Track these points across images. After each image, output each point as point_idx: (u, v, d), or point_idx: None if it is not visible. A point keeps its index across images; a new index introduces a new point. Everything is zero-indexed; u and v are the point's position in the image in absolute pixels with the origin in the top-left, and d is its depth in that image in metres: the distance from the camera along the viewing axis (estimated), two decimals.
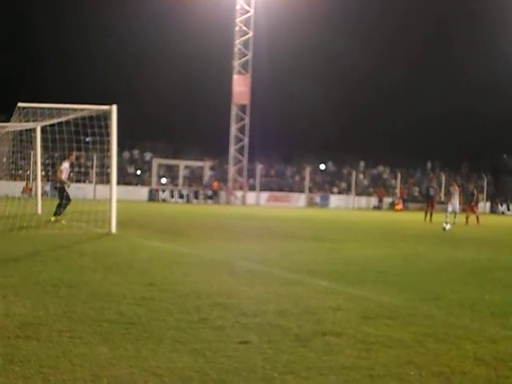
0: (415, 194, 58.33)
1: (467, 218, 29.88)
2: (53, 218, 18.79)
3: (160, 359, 4.91)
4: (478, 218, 30.53)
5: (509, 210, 55.84)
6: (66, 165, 19.79)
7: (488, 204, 56.56)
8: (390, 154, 59.59)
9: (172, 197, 50.22)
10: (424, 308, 7.33)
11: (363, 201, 55.18)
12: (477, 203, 32.39)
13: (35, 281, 8.18)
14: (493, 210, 55.97)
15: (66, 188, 19.44)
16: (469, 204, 30.89)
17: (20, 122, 18.46)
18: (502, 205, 56.46)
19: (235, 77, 52.26)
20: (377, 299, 7.75)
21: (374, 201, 55.32)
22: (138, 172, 54.72)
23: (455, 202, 28.23)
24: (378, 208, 53.35)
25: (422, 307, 7.37)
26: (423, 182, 61.26)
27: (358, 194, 55.77)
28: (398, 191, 56.02)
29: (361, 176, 60.23)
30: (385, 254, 13.61)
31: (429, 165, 65.91)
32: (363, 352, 5.31)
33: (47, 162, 28.73)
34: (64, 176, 19.70)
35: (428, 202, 31.82)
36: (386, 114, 65.12)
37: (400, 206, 51.74)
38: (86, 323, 5.95)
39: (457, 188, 28.80)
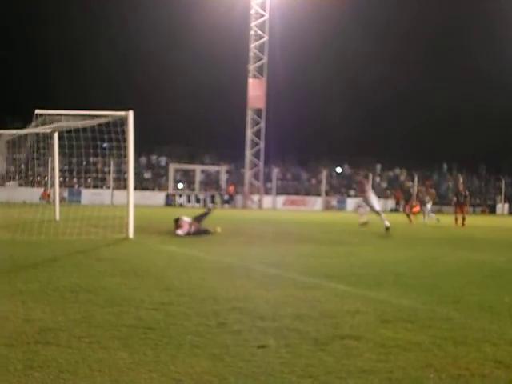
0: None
1: (457, 220, 29.69)
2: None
3: (179, 364, 4.92)
4: (464, 219, 30.01)
5: None
6: None
7: (507, 206, 56.17)
8: (407, 156, 59.36)
9: (189, 201, 50.33)
10: (443, 311, 7.29)
11: (380, 203, 54.96)
12: (466, 205, 31.87)
13: (54, 287, 8.23)
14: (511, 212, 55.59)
15: None
16: (460, 205, 30.60)
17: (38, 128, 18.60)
18: None
19: (250, 81, 52.32)
20: (395, 302, 7.72)
21: (391, 203, 55.11)
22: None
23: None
24: (395, 210, 53.12)
25: (440, 310, 7.33)
26: (440, 184, 61.01)
27: (378, 196, 55.52)
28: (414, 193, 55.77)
29: (377, 179, 60.03)
30: (403, 257, 13.55)
31: (445, 167, 65.58)
32: (382, 355, 5.29)
33: (65, 168, 28.92)
34: None
35: (457, 207, 31.34)
36: (401, 115, 64.83)
37: (417, 209, 51.48)
38: (105, 328, 5.98)
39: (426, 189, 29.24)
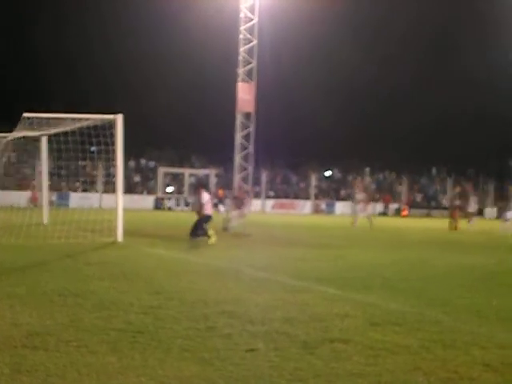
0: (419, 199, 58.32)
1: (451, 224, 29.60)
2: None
3: (168, 368, 4.90)
4: (456, 225, 29.98)
5: None
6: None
7: (495, 210, 56.38)
8: (396, 160, 59.54)
9: (178, 205, 50.24)
10: (431, 314, 7.31)
11: (369, 207, 55.05)
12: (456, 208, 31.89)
13: (42, 290, 8.19)
14: (500, 216, 55.78)
15: None
16: (453, 209, 30.66)
17: (25, 131, 18.50)
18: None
19: (239, 85, 52.25)
20: (384, 306, 7.74)
21: (379, 207, 55.23)
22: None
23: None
24: (383, 214, 53.26)
25: (429, 313, 7.35)
26: (429, 188, 61.24)
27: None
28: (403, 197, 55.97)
29: (367, 181, 60.16)
30: (391, 260, 13.59)
31: (434, 170, 65.84)
32: (371, 359, 5.30)
33: (53, 171, 28.78)
34: None
35: (453, 211, 31.34)
36: (391, 119, 65.00)
37: (406, 212, 51.67)
38: (93, 332, 5.95)
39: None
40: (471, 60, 62.19)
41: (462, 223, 28.31)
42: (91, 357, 5.15)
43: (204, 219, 17.73)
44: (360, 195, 29.83)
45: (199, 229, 17.59)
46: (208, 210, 17.87)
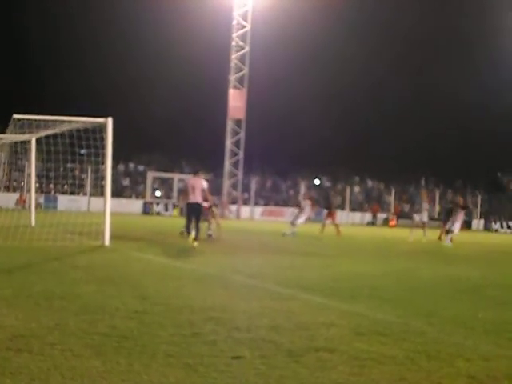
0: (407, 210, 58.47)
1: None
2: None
3: (152, 374, 4.88)
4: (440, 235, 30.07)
5: (502, 227, 55.94)
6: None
7: (482, 221, 56.67)
8: (385, 170, 59.76)
9: (166, 210, 50.18)
10: (417, 325, 7.32)
11: (357, 216, 55.23)
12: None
13: (28, 293, 8.15)
14: (486, 228, 56.07)
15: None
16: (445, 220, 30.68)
17: (15, 133, 18.45)
18: (495, 222, 56.60)
19: (231, 91, 52.48)
20: (370, 315, 7.74)
21: (368, 216, 55.39)
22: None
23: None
24: (371, 224, 53.40)
25: (414, 324, 7.36)
26: (416, 199, 61.41)
27: (353, 209, 55.83)
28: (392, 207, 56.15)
29: (355, 191, 60.34)
30: (378, 270, 13.60)
31: (423, 181, 66.11)
32: (356, 368, 5.30)
33: (42, 173, 28.69)
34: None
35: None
36: (380, 130, 65.34)
37: (394, 222, 51.82)
38: (78, 336, 5.92)
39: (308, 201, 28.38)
40: (462, 72, 62.55)
41: (419, 234, 27.76)
42: (75, 360, 5.12)
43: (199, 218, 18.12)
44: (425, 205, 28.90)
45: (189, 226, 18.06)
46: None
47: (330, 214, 30.26)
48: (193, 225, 17.96)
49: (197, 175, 18.94)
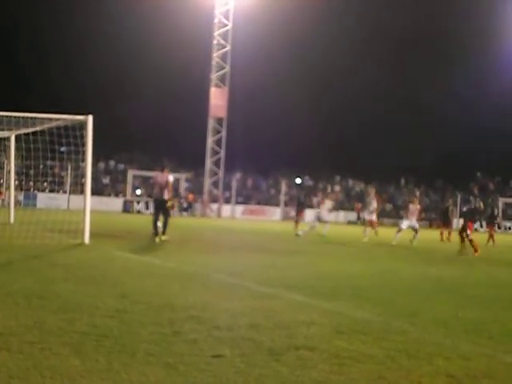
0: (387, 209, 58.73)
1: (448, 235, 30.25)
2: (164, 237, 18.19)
3: (132, 372, 4.86)
4: (449, 234, 30.81)
5: (482, 227, 56.30)
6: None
7: (462, 221, 56.94)
8: (365, 169, 59.97)
9: (147, 208, 49.99)
10: (397, 324, 7.35)
11: (338, 215, 55.33)
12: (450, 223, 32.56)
13: (7, 291, 8.08)
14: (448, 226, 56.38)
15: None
16: (445, 222, 31.29)
17: None
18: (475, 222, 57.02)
19: (212, 90, 52.44)
20: (351, 314, 7.76)
21: (349, 215, 55.51)
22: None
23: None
24: (353, 223, 53.54)
25: (395, 323, 7.38)
26: (397, 198, 61.70)
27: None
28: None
29: (336, 189, 60.50)
30: (360, 269, 13.65)
31: (402, 181, 66.44)
32: (336, 367, 5.31)
33: (21, 171, 28.45)
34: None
35: (445, 223, 31.91)
36: (361, 129, 65.58)
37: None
38: (57, 335, 5.88)
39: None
40: (443, 71, 62.94)
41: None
42: (55, 359, 5.09)
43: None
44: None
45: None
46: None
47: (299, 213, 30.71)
48: (160, 220, 18.49)
49: (164, 171, 19.27)
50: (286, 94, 60.02)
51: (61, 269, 10.83)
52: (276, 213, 53.66)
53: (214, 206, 51.64)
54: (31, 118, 17.47)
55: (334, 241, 24.89)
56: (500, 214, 58.93)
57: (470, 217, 21.85)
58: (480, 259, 19.36)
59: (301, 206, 31.34)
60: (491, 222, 32.21)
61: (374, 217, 28.17)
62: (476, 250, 20.38)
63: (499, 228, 53.67)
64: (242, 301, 8.33)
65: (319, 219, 27.42)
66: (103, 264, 11.98)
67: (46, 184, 45.33)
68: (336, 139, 63.87)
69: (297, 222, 29.53)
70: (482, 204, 22.66)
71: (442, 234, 30.51)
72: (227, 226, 33.92)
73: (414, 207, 25.42)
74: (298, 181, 62.61)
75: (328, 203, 28.49)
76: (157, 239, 18.16)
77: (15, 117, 17.54)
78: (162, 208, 18.66)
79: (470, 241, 20.68)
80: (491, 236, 29.64)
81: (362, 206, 30.64)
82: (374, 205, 28.21)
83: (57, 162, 33.83)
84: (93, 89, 58.47)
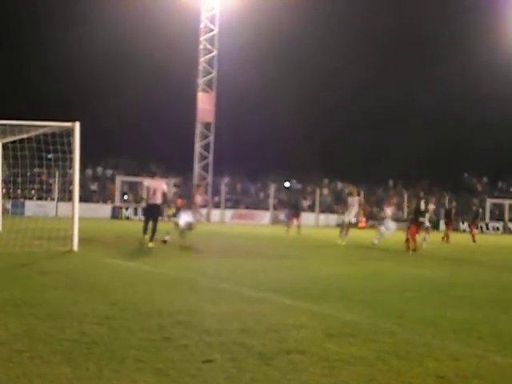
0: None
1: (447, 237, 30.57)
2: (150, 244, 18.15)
3: (122, 379, 4.85)
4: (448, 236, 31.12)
5: (470, 227, 56.47)
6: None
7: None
8: (353, 172, 60.05)
9: (136, 214, 49.83)
10: (386, 325, 7.37)
11: (327, 218, 55.40)
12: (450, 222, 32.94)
13: None
14: (454, 228, 56.59)
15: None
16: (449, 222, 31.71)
17: None
18: (463, 223, 57.16)
19: (199, 95, 52.40)
20: (340, 317, 7.78)
21: (337, 218, 55.53)
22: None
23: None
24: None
25: (384, 325, 7.41)
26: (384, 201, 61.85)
27: (322, 211, 56.04)
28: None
29: (325, 193, 60.59)
30: (348, 272, 13.68)
31: (391, 183, 66.61)
32: (326, 370, 5.32)
33: (8, 179, 28.29)
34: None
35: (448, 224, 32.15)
36: (348, 131, 65.70)
37: (363, 224, 52.08)
38: (47, 343, 5.87)
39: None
40: (430, 71, 63.19)
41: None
42: (45, 367, 5.07)
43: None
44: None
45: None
46: None
47: (295, 216, 30.80)
48: (149, 226, 18.52)
49: (155, 177, 19.67)
50: (273, 98, 60.06)
51: (50, 276, 10.79)
52: (265, 217, 53.63)
53: (203, 211, 51.54)
54: (18, 125, 17.38)
55: (324, 244, 24.91)
56: (488, 215, 59.39)
57: (414, 218, 23.03)
58: (466, 260, 19.45)
59: (294, 210, 31.45)
60: (474, 222, 32.64)
61: (354, 220, 27.91)
62: (410, 249, 21.39)
63: (481, 229, 54.10)
64: (232, 305, 8.33)
65: (387, 227, 25.37)
66: (92, 271, 11.95)
67: (33, 192, 45.15)
68: (324, 142, 63.97)
69: (289, 226, 29.59)
70: (423, 204, 23.50)
71: (445, 234, 31.01)
72: (217, 230, 33.88)
73: (390, 204, 25.52)
74: (287, 184, 62.65)
75: (387, 210, 25.43)
76: (149, 244, 18.15)
77: (2, 125, 17.45)
78: (153, 213, 18.65)
79: (408, 240, 21.90)
80: (473, 236, 30.27)
81: (342, 206, 30.23)
82: (357, 207, 26.37)
83: (44, 169, 33.74)
84: (79, 95, 58.30)
